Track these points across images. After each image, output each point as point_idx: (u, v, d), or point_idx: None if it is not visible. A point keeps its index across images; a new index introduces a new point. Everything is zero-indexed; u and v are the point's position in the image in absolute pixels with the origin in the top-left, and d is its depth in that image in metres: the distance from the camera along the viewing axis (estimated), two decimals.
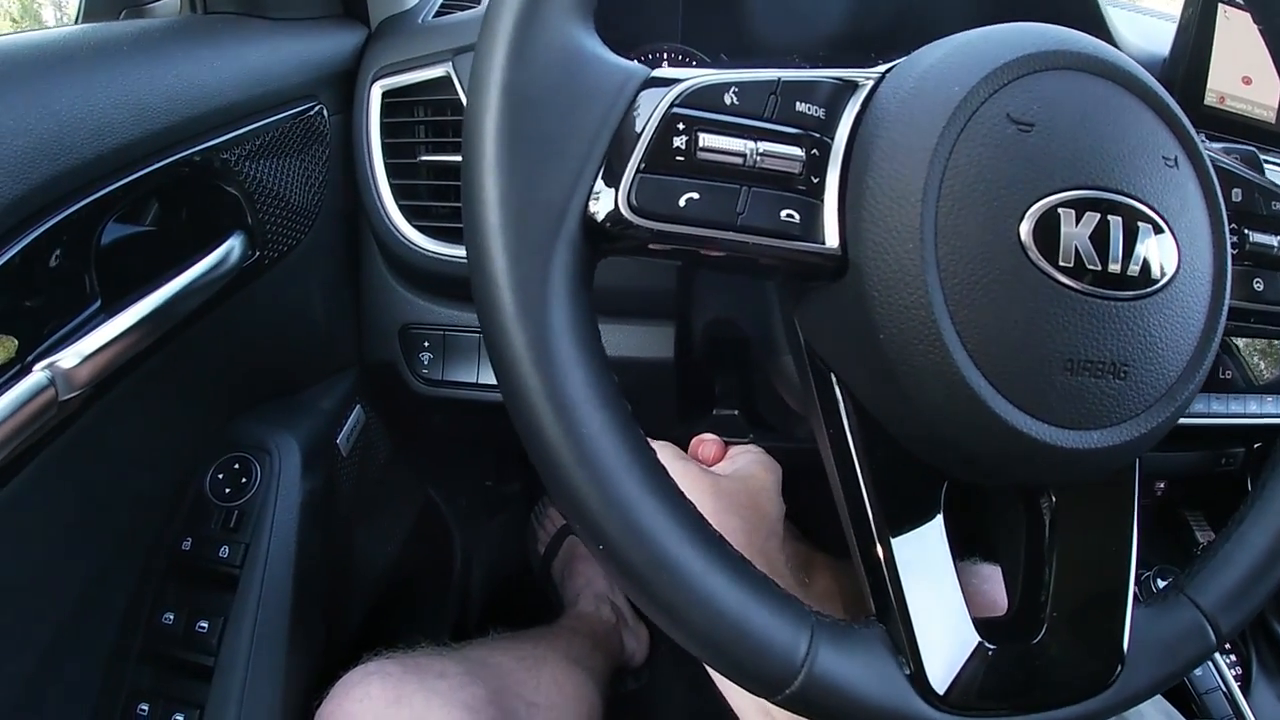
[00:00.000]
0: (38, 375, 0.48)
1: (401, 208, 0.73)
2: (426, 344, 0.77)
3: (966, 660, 0.40)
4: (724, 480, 0.58)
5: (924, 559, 0.41)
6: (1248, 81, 0.83)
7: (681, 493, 0.38)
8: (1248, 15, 0.81)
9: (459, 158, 0.70)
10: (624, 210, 0.37)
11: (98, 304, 0.53)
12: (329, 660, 0.71)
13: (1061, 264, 0.36)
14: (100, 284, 0.53)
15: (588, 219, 0.37)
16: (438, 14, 0.79)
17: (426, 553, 0.97)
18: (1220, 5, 0.80)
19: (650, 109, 0.37)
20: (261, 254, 0.64)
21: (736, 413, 0.71)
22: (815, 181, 0.39)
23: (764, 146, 0.38)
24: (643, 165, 0.37)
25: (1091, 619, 0.43)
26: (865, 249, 0.37)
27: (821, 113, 0.39)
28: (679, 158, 0.37)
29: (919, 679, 0.39)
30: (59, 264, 0.51)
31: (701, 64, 0.77)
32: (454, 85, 0.71)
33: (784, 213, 0.39)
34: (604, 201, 0.37)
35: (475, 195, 0.36)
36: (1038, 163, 0.37)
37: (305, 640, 0.66)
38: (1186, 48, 0.81)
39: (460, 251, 0.72)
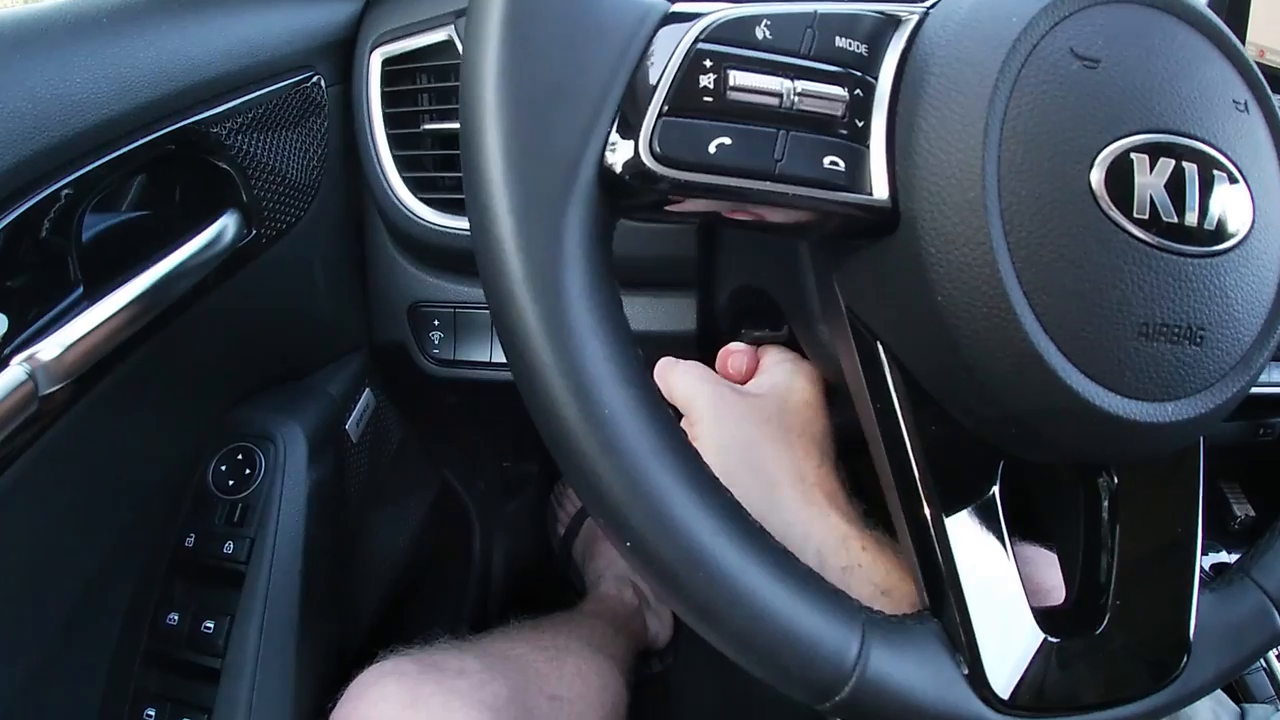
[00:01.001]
0: (15, 370, 0.44)
1: (406, 180, 0.69)
2: (437, 322, 0.73)
3: (1028, 657, 0.36)
4: (763, 401, 0.52)
5: (980, 547, 0.38)
6: None
7: (715, 478, 0.34)
8: None
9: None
10: (645, 158, 0.32)
11: (80, 290, 0.48)
12: (343, 656, 0.67)
13: (1136, 215, 0.32)
14: (83, 269, 0.49)
15: (604, 170, 0.33)
16: None
17: (445, 539, 0.93)
18: None
19: (672, 45, 0.33)
20: (258, 232, 0.60)
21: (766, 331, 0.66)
22: (859, 125, 0.35)
23: (802, 85, 0.34)
24: (665, 108, 0.33)
25: (1156, 607, 0.39)
26: (919, 200, 0.33)
27: (864, 49, 0.35)
28: (707, 99, 0.33)
29: (978, 679, 0.35)
30: (37, 249, 0.47)
31: None
32: (457, 49, 0.66)
33: (827, 160, 0.34)
34: (622, 150, 0.33)
35: (475, 148, 0.32)
36: (1107, 102, 0.33)
37: (316, 638, 0.62)
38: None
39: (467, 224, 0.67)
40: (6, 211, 0.43)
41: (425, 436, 0.84)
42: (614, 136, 0.33)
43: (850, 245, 0.39)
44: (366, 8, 0.73)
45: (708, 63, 0.33)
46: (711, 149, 0.33)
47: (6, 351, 0.44)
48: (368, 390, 0.74)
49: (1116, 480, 0.40)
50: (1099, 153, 0.32)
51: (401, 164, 0.69)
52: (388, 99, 0.69)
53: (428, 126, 0.68)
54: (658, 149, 0.32)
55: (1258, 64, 0.76)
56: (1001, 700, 0.35)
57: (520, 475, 1.11)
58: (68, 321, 0.46)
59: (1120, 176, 0.32)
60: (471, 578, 0.94)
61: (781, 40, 0.34)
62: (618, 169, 0.33)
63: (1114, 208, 0.32)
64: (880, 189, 0.34)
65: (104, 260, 0.50)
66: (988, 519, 0.38)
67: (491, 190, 0.31)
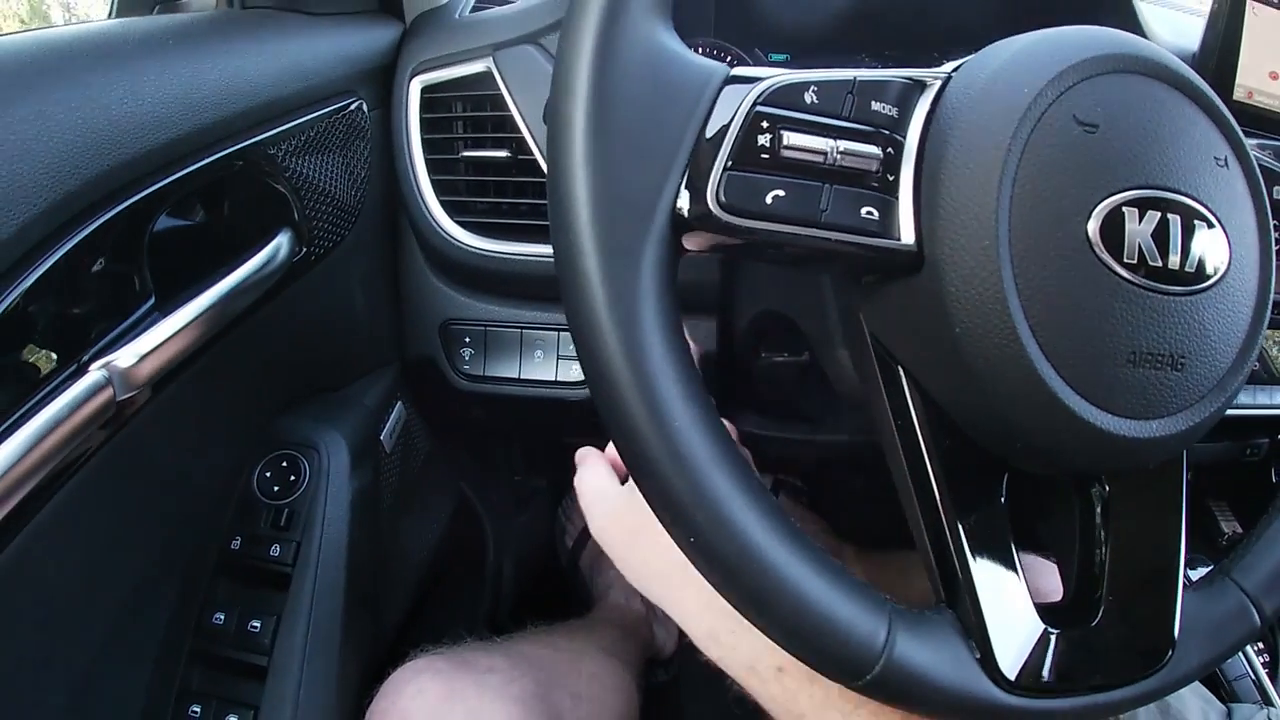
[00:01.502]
0: (95, 374, 0.45)
1: (443, 203, 0.71)
2: (467, 339, 0.74)
3: (1031, 644, 0.40)
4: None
5: (989, 546, 0.41)
6: (1275, 76, 0.81)
7: (762, 484, 0.37)
8: (1276, 11, 0.79)
9: (500, 153, 0.69)
10: (712, 206, 0.36)
11: (151, 301, 0.50)
12: (376, 654, 0.68)
13: (1126, 260, 0.36)
14: (154, 281, 0.50)
15: (675, 216, 0.36)
16: (474, 10, 0.76)
17: (461, 547, 0.94)
18: (1249, 1, 0.78)
19: (733, 107, 0.37)
20: (308, 250, 0.61)
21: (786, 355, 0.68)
22: (890, 179, 0.38)
23: (843, 145, 0.37)
24: (729, 163, 0.36)
25: (1144, 602, 0.43)
26: (941, 246, 0.37)
27: (895, 111, 0.39)
28: (764, 155, 0.37)
29: (988, 663, 0.39)
30: (112, 261, 0.48)
31: (740, 59, 0.74)
32: (495, 80, 0.68)
33: (864, 210, 0.38)
34: (691, 198, 0.36)
35: (565, 192, 0.35)
36: (1103, 163, 0.37)
37: (356, 637, 0.63)
38: (1215, 42, 0.79)
39: (501, 247, 0.70)
40: (86, 223, 0.45)
41: (448, 449, 0.86)
42: (684, 186, 0.36)
43: (877, 282, 0.42)
44: (405, 36, 0.74)
45: (765, 124, 0.36)
46: (768, 199, 0.36)
47: (85, 358, 0.45)
48: (400, 403, 0.75)
49: (1108, 489, 0.44)
50: (1095, 207, 0.36)
51: (439, 188, 0.71)
52: (426, 125, 0.71)
53: (467, 154, 0.70)
54: (723, 198, 0.36)
55: (1247, 105, 0.80)
56: (1009, 681, 0.38)
57: (530, 489, 1.13)
58: (141, 332, 0.47)
59: (1113, 227, 0.36)
60: (485, 584, 0.95)
61: (826, 104, 0.37)
62: (686, 214, 0.36)
63: (1107, 253, 0.36)
64: (908, 235, 0.38)
65: (171, 273, 0.51)
66: (996, 523, 0.42)
67: (580, 231, 0.35)
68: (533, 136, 0.67)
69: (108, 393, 0.45)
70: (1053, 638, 0.40)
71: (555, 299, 0.73)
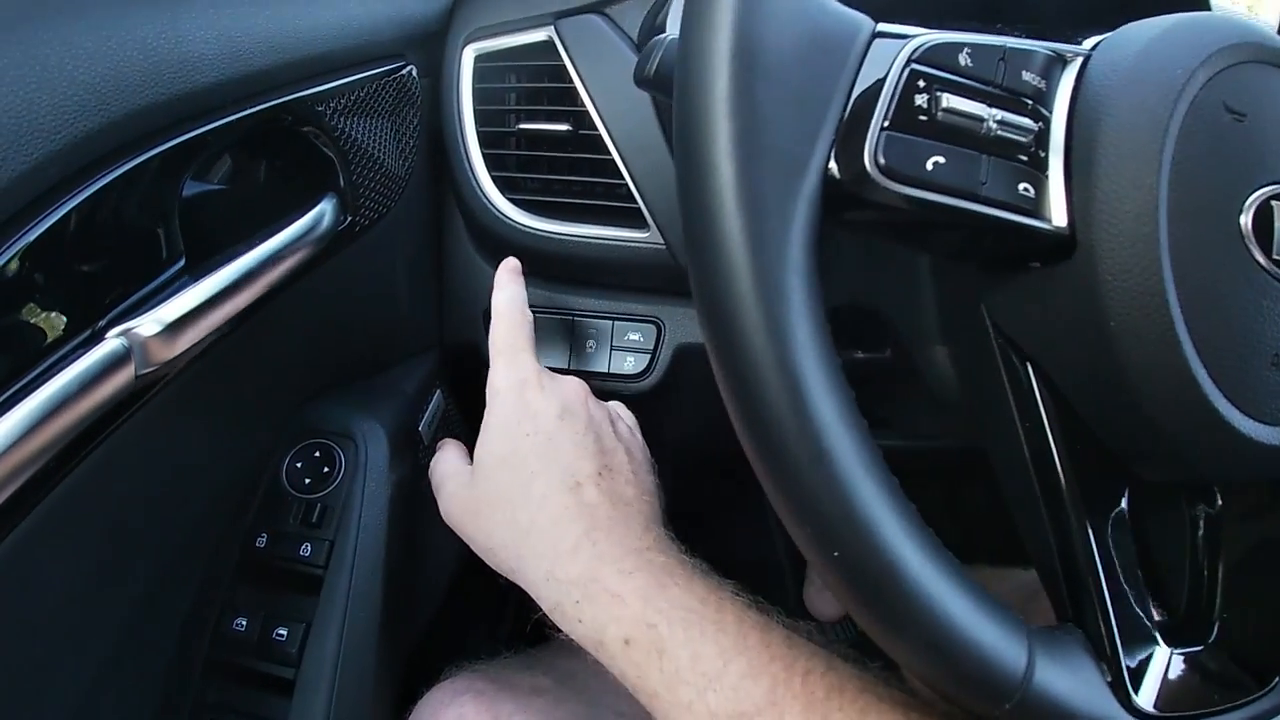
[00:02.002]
0: (112, 344, 0.37)
1: (494, 178, 0.63)
2: None
3: (1152, 664, 0.37)
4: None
5: (1118, 559, 0.38)
6: None
7: (901, 490, 0.33)
8: None
9: (560, 127, 0.61)
10: (870, 169, 0.32)
11: (181, 264, 0.42)
12: (408, 668, 0.60)
13: (1275, 256, 0.34)
14: (185, 241, 0.42)
15: (827, 177, 0.32)
16: None
17: None
18: None
19: (886, 63, 0.33)
20: (353, 219, 0.54)
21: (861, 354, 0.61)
22: (1041, 156, 0.35)
23: (1000, 114, 0.34)
24: (887, 122, 0.32)
25: (1261, 615, 0.41)
26: (1098, 231, 0.34)
27: (1042, 84, 0.36)
28: (922, 117, 0.33)
29: (1119, 686, 0.35)
30: (139, 214, 0.40)
31: None
32: (557, 50, 0.61)
33: (1021, 185, 0.35)
34: (845, 159, 0.32)
35: (703, 137, 0.30)
36: (1254, 153, 0.35)
37: (393, 648, 0.55)
38: None
39: (554, 227, 0.62)
40: (111, 168, 0.37)
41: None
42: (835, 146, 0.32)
43: (1011, 268, 0.39)
44: (457, 1, 0.67)
45: (921, 83, 0.33)
46: (929, 166, 0.33)
47: (103, 323, 0.37)
48: (438, 391, 0.67)
49: (1220, 504, 0.42)
50: (1248, 198, 0.34)
51: (489, 162, 0.63)
52: (479, 95, 0.63)
53: (523, 126, 0.62)
54: (882, 161, 0.32)
55: None
56: (1138, 708, 0.35)
57: None
58: (169, 297, 0.39)
59: (1264, 220, 0.34)
60: (513, 589, 0.87)
61: (980, 68, 0.34)
62: (839, 176, 0.32)
63: (1257, 248, 0.34)
64: (1059, 217, 0.35)
65: (205, 235, 0.43)
66: (1122, 534, 0.39)
67: (720, 180, 0.30)
68: (598, 111, 0.59)
69: (127, 367, 0.37)
70: (1170, 656, 0.38)
71: (609, 285, 0.66)
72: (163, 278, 0.41)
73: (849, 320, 0.61)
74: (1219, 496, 0.42)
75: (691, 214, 0.31)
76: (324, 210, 0.50)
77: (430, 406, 0.65)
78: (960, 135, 0.33)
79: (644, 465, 0.50)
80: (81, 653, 0.44)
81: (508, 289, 0.53)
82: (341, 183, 0.53)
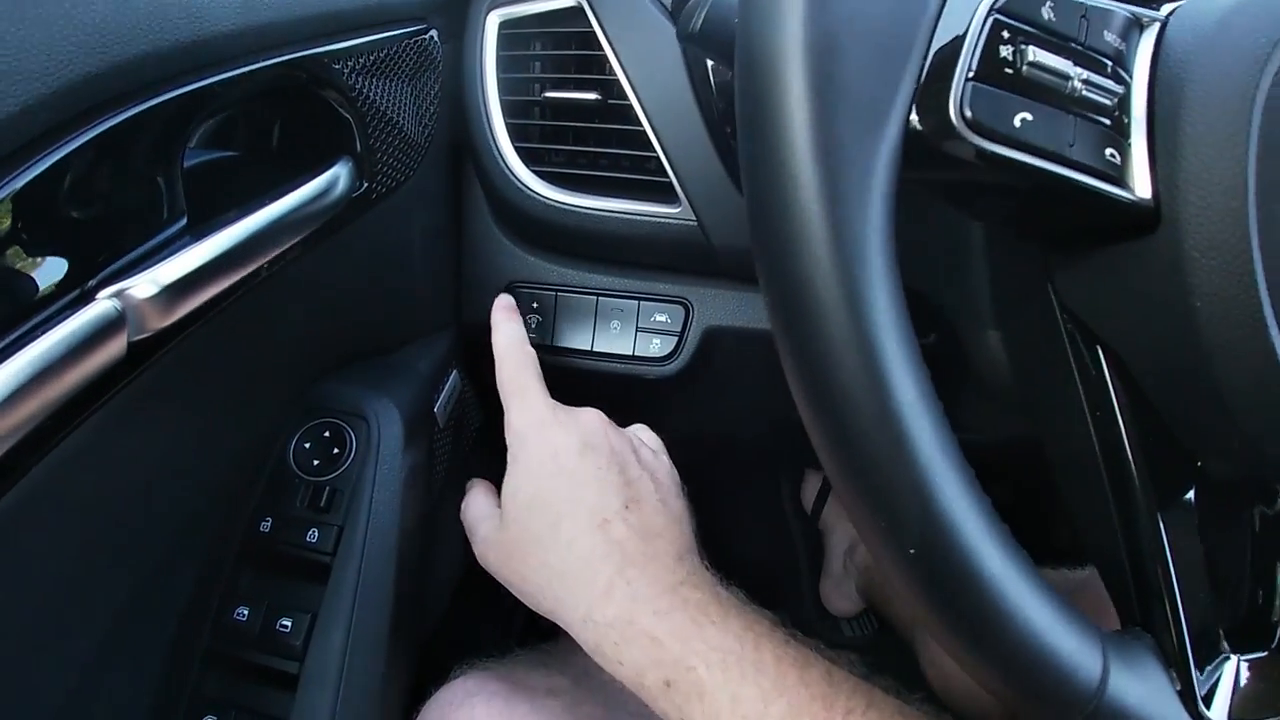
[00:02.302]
0: (104, 305, 0.33)
1: (518, 150, 0.58)
2: (535, 305, 0.62)
3: (1221, 672, 0.35)
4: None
5: (1189, 560, 0.35)
6: None
7: (977, 480, 0.29)
8: None
9: (588, 96, 0.56)
10: (955, 120, 0.29)
11: (183, 222, 0.37)
12: (418, 664, 0.55)
13: None
14: (188, 198, 0.38)
15: (908, 129, 0.28)
16: None
17: None
18: None
19: (968, 10, 0.30)
20: (369, 186, 0.49)
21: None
22: (1125, 122, 0.32)
23: (1084, 73, 0.31)
24: (971, 73, 0.30)
25: None
26: (1185, 204, 0.31)
27: (1122, 46, 0.33)
28: (1007, 70, 0.30)
29: (1188, 695, 0.33)
30: (139, 167, 0.36)
31: None
32: (587, 17, 0.56)
33: (1108, 151, 0.32)
34: (928, 110, 0.29)
35: (774, 87, 0.26)
36: None
37: (403, 642, 0.51)
38: None
39: (580, 200, 0.58)
40: (110, 115, 0.33)
41: (497, 425, 0.73)
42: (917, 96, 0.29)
43: (1086, 243, 0.36)
44: None
45: (1005, 34, 0.30)
46: (1016, 122, 0.30)
47: (93, 284, 0.33)
48: (454, 372, 0.62)
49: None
50: None
51: (512, 132, 0.59)
52: (503, 64, 0.59)
53: (549, 94, 0.58)
54: (968, 113, 0.29)
55: None
56: (1206, 716, 0.33)
57: None
58: (168, 257, 0.35)
59: None
60: None
61: (1063, 24, 0.32)
62: (920, 128, 0.29)
63: None
64: (1143, 188, 0.32)
65: (210, 194, 0.39)
66: (1190, 534, 0.36)
67: (793, 128, 0.26)
68: (628, 79, 0.55)
69: (120, 331, 0.33)
70: (1236, 662, 0.35)
71: (635, 263, 0.62)
72: (162, 237, 0.36)
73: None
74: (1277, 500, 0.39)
75: (757, 166, 0.27)
76: (338, 174, 0.46)
77: (446, 387, 0.60)
78: (1046, 92, 0.31)
79: (671, 490, 0.47)
80: (70, 642, 0.40)
81: (505, 328, 0.51)
82: (358, 146, 0.48)
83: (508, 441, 0.46)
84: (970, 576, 0.27)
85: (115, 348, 0.33)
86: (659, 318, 0.61)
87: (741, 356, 0.63)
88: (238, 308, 0.42)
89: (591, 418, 0.47)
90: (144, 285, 0.33)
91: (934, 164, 0.31)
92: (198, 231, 0.37)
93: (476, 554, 0.46)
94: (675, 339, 0.61)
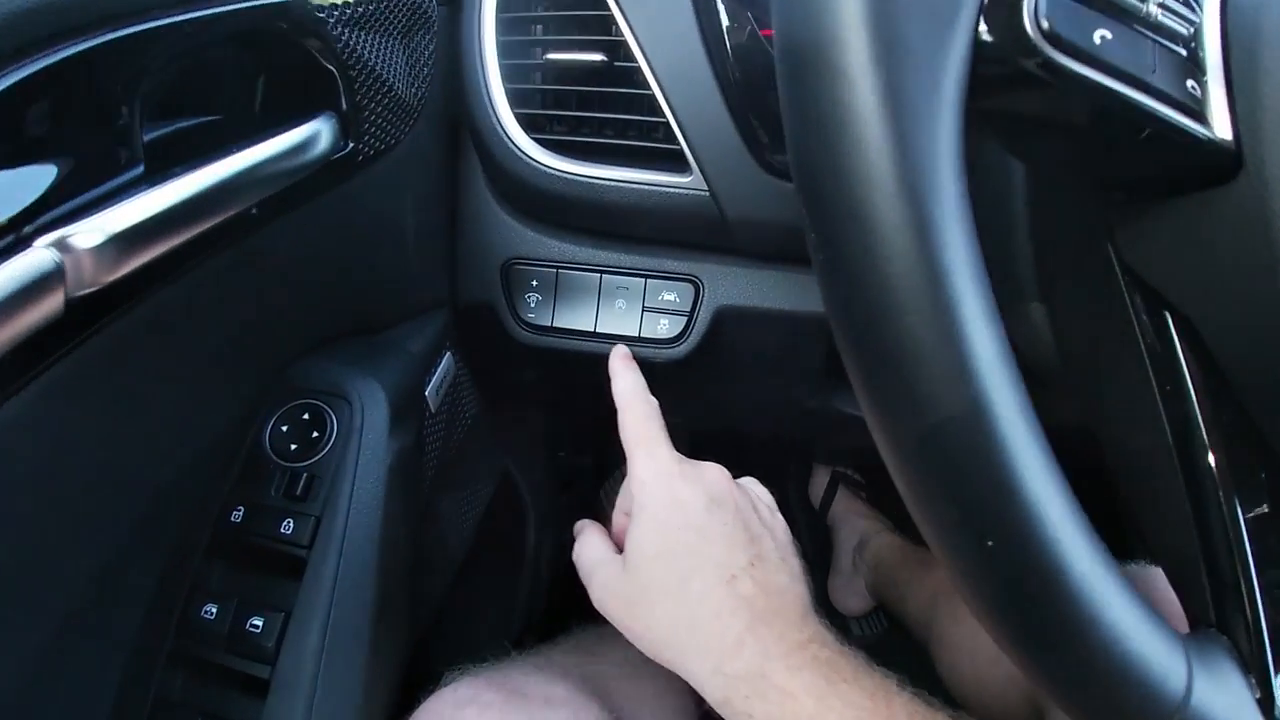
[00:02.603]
0: (40, 254, 0.28)
1: (517, 116, 0.54)
2: (534, 282, 0.58)
3: None
4: None
5: (1268, 555, 0.32)
6: None
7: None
8: None
9: (593, 57, 0.52)
10: (1032, 33, 0.25)
11: (140, 170, 0.33)
12: (403, 667, 0.51)
13: None
14: (147, 146, 0.33)
15: (976, 41, 0.25)
16: None
17: (501, 531, 0.76)
18: None
19: None
20: (355, 147, 0.45)
21: None
22: (1201, 55, 0.29)
23: None
24: None
25: None
26: (1270, 147, 0.27)
27: None
28: None
29: (1267, 703, 0.29)
30: (92, 106, 0.31)
31: None
32: None
33: (1189, 83, 0.28)
34: (1000, 19, 0.25)
35: None
36: None
37: (386, 645, 0.46)
38: None
39: (584, 169, 0.54)
40: (61, 47, 0.29)
41: (494, 413, 0.69)
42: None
43: (1155, 194, 0.32)
44: None
45: None
46: (1096, 39, 0.26)
47: (30, 229, 0.28)
48: (448, 354, 0.58)
49: None
50: None
51: (512, 98, 0.54)
52: (502, 26, 0.54)
53: (551, 57, 0.53)
54: (1045, 24, 0.25)
55: None
56: None
57: (574, 468, 0.96)
58: (116, 205, 0.30)
59: None
60: (523, 576, 0.78)
61: None
62: (991, 39, 0.25)
63: None
64: (1222, 128, 0.28)
65: (175, 142, 0.34)
66: (1265, 525, 0.32)
67: (848, 26, 0.22)
68: (636, 39, 0.51)
69: (57, 285, 0.28)
70: None
71: (642, 238, 0.57)
72: (113, 184, 0.32)
73: None
74: None
75: (803, 66, 0.23)
76: (320, 130, 0.41)
77: (439, 369, 0.56)
78: (1123, 11, 0.27)
79: (789, 548, 0.46)
80: (18, 640, 0.35)
81: (625, 377, 0.49)
82: (344, 103, 0.44)
83: (634, 491, 0.45)
84: (1056, 574, 0.23)
85: (51, 304, 0.28)
86: (667, 296, 0.57)
87: (755, 340, 0.59)
88: (210, 273, 0.38)
89: (716, 473, 0.46)
90: (87, 234, 0.29)
91: (998, 88, 0.27)
92: (156, 179, 0.32)
93: (594, 598, 0.45)
94: (684, 319, 0.57)
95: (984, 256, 0.44)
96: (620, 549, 0.46)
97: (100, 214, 0.30)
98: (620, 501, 0.49)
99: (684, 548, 0.42)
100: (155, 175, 0.33)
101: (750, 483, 0.50)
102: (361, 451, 0.45)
